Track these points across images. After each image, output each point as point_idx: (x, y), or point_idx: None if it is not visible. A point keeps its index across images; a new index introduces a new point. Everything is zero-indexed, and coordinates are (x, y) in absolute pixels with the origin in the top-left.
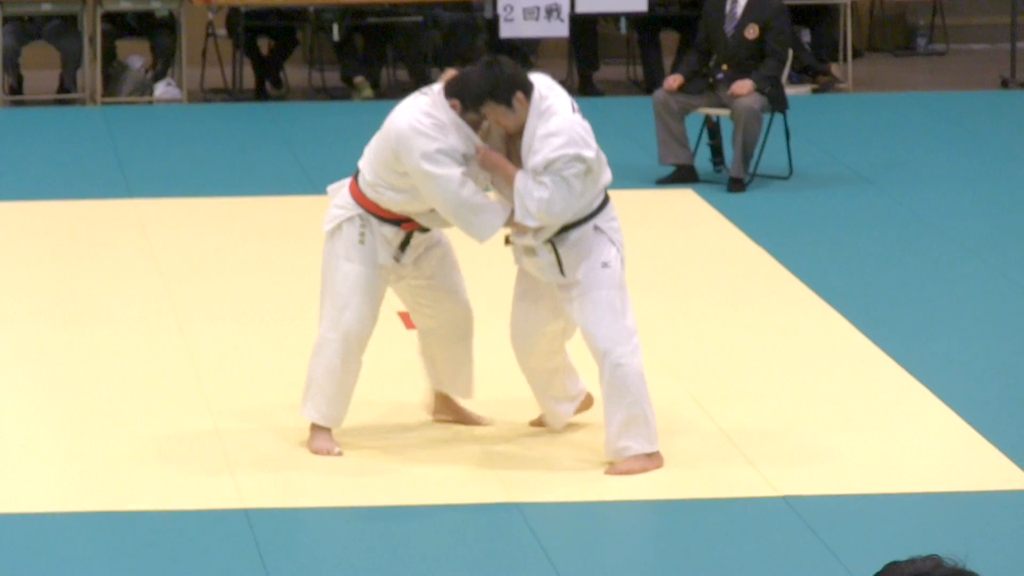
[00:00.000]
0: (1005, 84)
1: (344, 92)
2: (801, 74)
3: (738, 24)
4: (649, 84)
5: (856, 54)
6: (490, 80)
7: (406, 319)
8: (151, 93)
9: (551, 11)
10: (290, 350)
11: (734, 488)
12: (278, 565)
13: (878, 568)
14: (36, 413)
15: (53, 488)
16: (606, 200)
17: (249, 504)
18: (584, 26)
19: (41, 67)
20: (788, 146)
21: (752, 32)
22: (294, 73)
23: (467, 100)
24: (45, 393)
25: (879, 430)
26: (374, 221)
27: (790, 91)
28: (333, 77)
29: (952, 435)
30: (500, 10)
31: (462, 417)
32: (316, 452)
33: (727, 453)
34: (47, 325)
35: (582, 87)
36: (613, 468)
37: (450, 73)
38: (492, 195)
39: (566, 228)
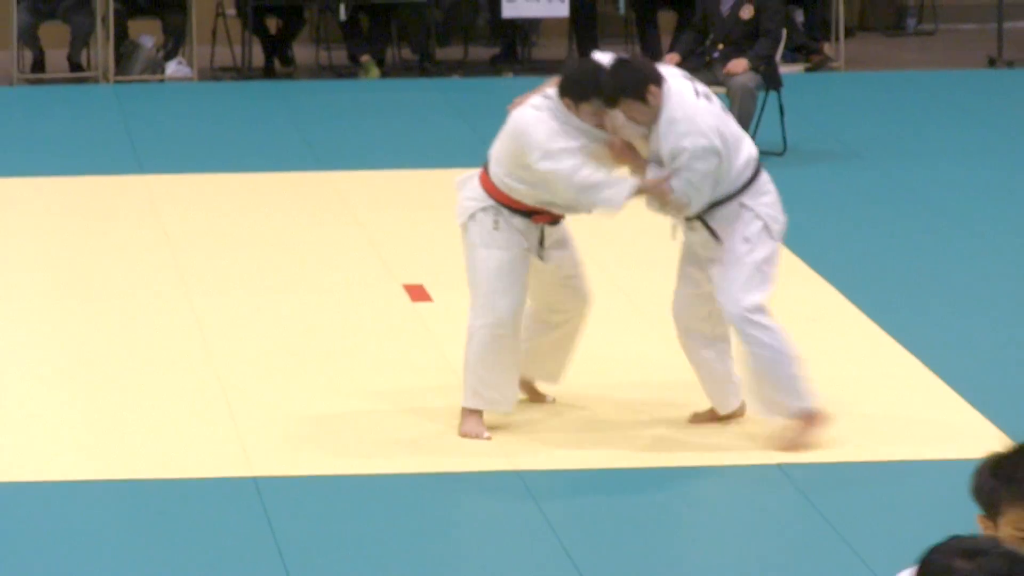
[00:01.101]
0: (992, 63)
1: (351, 71)
2: (795, 53)
3: (734, 4)
4: None
5: (848, 33)
6: (621, 79)
7: (412, 291)
8: (162, 71)
9: None
10: (296, 322)
11: (730, 456)
12: (287, 532)
13: (871, 535)
14: (47, 384)
15: (66, 456)
16: (756, 175)
17: (258, 472)
18: (584, 6)
19: (57, 46)
20: (782, 123)
21: (747, 12)
22: (302, 52)
23: (591, 96)
24: (56, 365)
25: (871, 400)
26: (505, 212)
27: (784, 69)
28: (340, 56)
29: (942, 404)
30: None
31: (530, 395)
32: (464, 435)
33: (723, 422)
34: (59, 298)
35: None
36: (776, 443)
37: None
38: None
39: (714, 205)
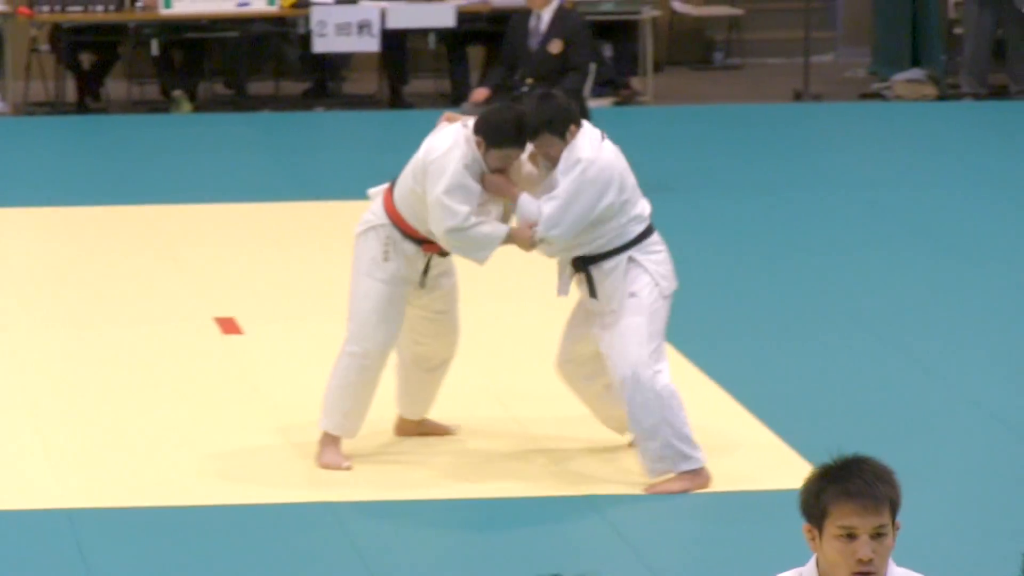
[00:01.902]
0: (798, 96)
1: (163, 105)
2: (603, 87)
3: (542, 39)
4: (457, 97)
5: (656, 68)
6: (547, 112)
7: (223, 324)
8: None
9: (362, 26)
10: (109, 354)
11: (540, 487)
12: (100, 564)
13: (680, 567)
14: None
15: None
16: (647, 232)
17: (72, 504)
18: (394, 41)
19: None
20: None
21: (555, 47)
22: (115, 87)
23: (505, 145)
24: None
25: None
26: (398, 235)
27: (593, 103)
28: (152, 91)
29: (750, 435)
30: (313, 25)
31: (428, 430)
32: (325, 467)
33: (531, 454)
34: None
35: (392, 100)
36: (653, 487)
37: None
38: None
39: (602, 257)
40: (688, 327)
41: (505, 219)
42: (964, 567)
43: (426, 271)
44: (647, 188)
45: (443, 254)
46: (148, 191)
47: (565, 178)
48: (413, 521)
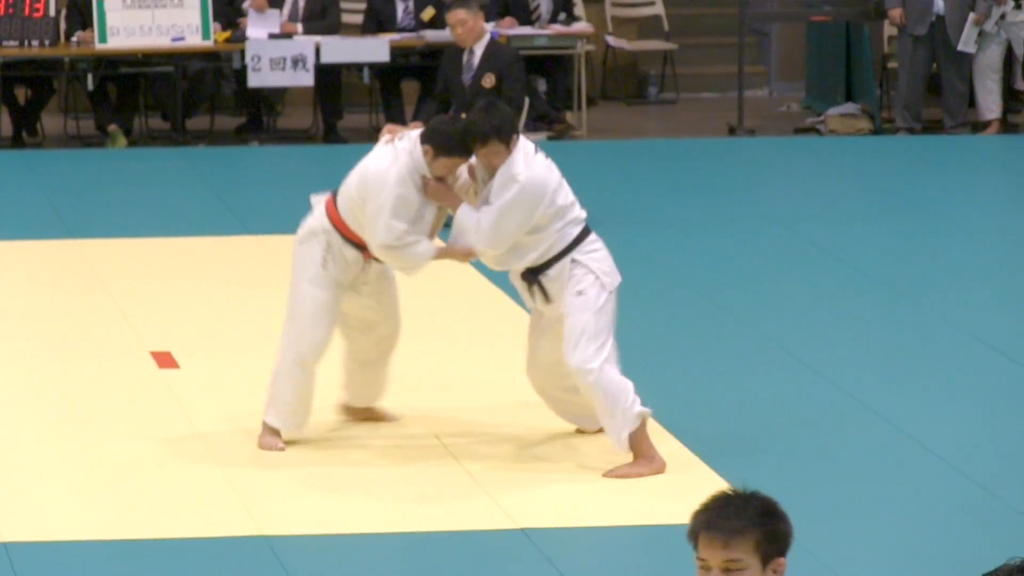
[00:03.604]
0: (732, 131)
1: (99, 140)
2: (537, 122)
3: (475, 73)
4: None
5: (590, 102)
6: (496, 120)
7: (160, 358)
8: None
9: (297, 61)
10: (44, 389)
11: (477, 521)
12: None
13: None
14: None
15: None
16: (584, 233)
17: (6, 538)
18: (329, 75)
19: None
20: None
21: (489, 81)
22: (50, 121)
23: (455, 153)
24: None
25: (611, 464)
26: (338, 240)
27: (527, 137)
28: (88, 125)
29: (680, 466)
30: (248, 60)
31: (371, 415)
32: (264, 448)
33: (468, 488)
34: None
35: (327, 135)
36: (612, 471)
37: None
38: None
39: (546, 265)
40: (622, 360)
41: (438, 224)
42: None
43: (362, 275)
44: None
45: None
46: (84, 225)
47: (501, 193)
48: (350, 555)
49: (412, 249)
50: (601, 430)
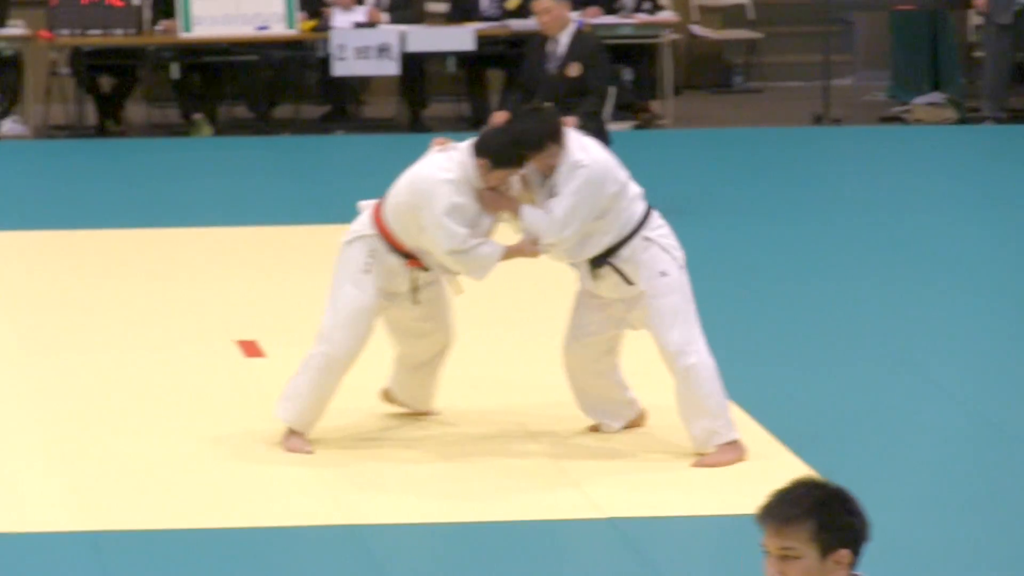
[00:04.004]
0: (818, 120)
1: (183, 129)
2: (623, 111)
3: (560, 63)
4: (476, 120)
5: (675, 91)
6: (547, 124)
7: (246, 347)
8: None
9: (382, 50)
10: (130, 379)
11: (561, 510)
12: None
13: None
14: None
15: None
16: (648, 212)
17: (96, 527)
18: (414, 64)
19: None
20: None
21: (574, 70)
22: (134, 110)
23: (508, 165)
24: None
25: (686, 452)
26: (382, 248)
27: (612, 127)
28: (172, 114)
29: (767, 456)
30: (333, 49)
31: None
32: (290, 450)
33: (554, 477)
34: None
35: (412, 123)
36: (701, 460)
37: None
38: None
39: (617, 247)
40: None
41: (493, 232)
42: None
43: (415, 290)
44: (665, 211)
45: (426, 269)
46: (168, 214)
47: (568, 181)
48: (437, 544)
49: (478, 251)
50: (624, 428)
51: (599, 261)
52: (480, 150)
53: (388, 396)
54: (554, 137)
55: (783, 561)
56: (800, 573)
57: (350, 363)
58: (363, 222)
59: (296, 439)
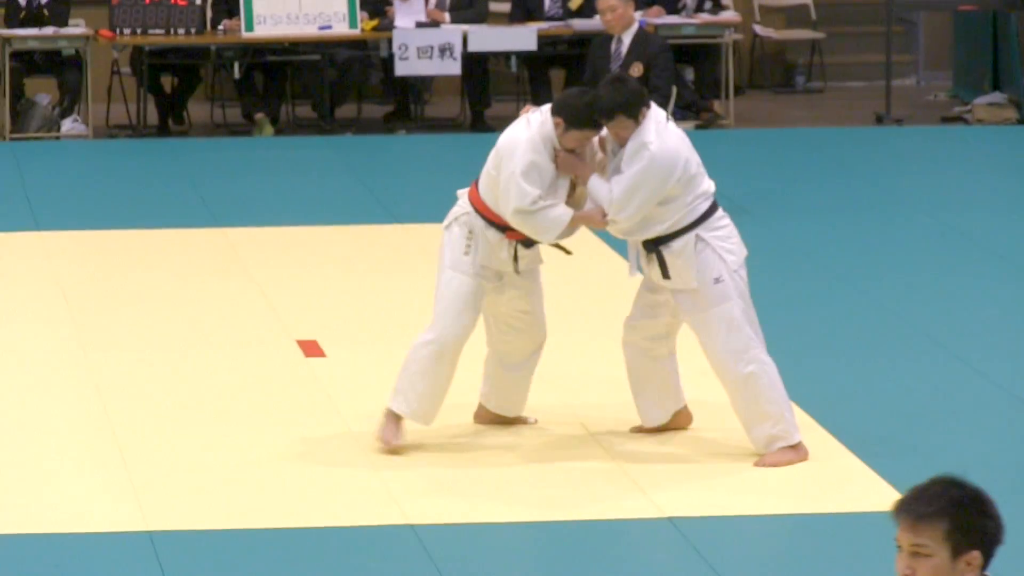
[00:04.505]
0: (880, 120)
1: (245, 128)
2: (685, 110)
3: (623, 62)
4: None
5: (737, 91)
6: (622, 95)
7: (306, 347)
8: (58, 129)
9: (444, 50)
10: (192, 377)
11: (620, 509)
12: None
13: None
14: None
15: None
16: (712, 210)
17: (153, 527)
18: (476, 64)
19: None
20: None
21: (637, 70)
22: (196, 110)
23: (586, 126)
24: None
25: (745, 451)
26: (481, 223)
27: None
28: (234, 113)
29: (831, 457)
30: (395, 49)
31: (506, 421)
32: (382, 440)
33: (614, 476)
34: None
35: (474, 123)
36: (762, 460)
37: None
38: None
39: (670, 237)
40: (768, 348)
41: (572, 197)
42: None
43: (516, 258)
44: (727, 210)
45: (527, 244)
46: (230, 214)
47: (632, 162)
48: (495, 544)
49: (547, 213)
50: (657, 428)
51: (650, 246)
52: (556, 109)
53: (481, 414)
54: (627, 110)
55: (914, 558)
56: (930, 571)
57: (460, 348)
58: (460, 204)
59: (390, 429)
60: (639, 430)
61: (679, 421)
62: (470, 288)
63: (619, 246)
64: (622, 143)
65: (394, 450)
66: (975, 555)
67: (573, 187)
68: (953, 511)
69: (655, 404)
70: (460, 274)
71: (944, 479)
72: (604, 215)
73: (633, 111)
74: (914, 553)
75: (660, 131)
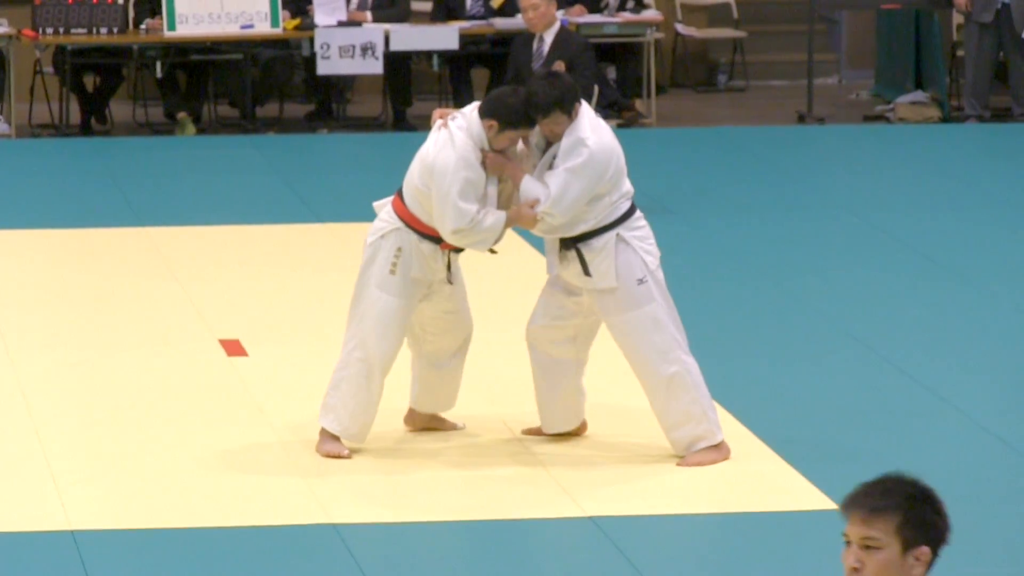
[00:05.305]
0: (802, 119)
1: (168, 127)
2: (607, 109)
3: (545, 61)
4: None
5: (660, 90)
6: (558, 91)
7: (228, 346)
8: None
9: (366, 49)
10: (114, 376)
11: (543, 509)
12: None
13: None
14: None
15: None
16: (631, 211)
17: (76, 526)
18: (398, 63)
19: None
20: None
21: (559, 68)
22: (119, 109)
23: (520, 125)
24: None
25: (666, 450)
26: (414, 237)
27: None
28: (157, 113)
29: (754, 457)
30: (317, 48)
31: (436, 424)
32: (327, 455)
33: (536, 476)
34: None
35: (396, 122)
36: (685, 460)
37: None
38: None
39: (589, 235)
40: (691, 348)
41: (502, 197)
42: None
43: (449, 267)
44: (650, 209)
45: (458, 251)
46: (152, 213)
47: (569, 157)
48: (418, 544)
49: (482, 224)
50: (571, 433)
51: (568, 243)
52: (487, 111)
53: (413, 418)
54: (563, 105)
55: (864, 551)
56: (879, 565)
57: (388, 367)
58: (385, 218)
59: (333, 443)
60: (534, 432)
61: (576, 429)
62: (397, 308)
63: (537, 242)
64: (555, 139)
65: (344, 457)
66: (925, 550)
67: (499, 180)
68: (907, 505)
69: (557, 413)
70: (387, 295)
71: (896, 475)
72: (535, 212)
73: (568, 107)
74: (865, 546)
75: (595, 127)
